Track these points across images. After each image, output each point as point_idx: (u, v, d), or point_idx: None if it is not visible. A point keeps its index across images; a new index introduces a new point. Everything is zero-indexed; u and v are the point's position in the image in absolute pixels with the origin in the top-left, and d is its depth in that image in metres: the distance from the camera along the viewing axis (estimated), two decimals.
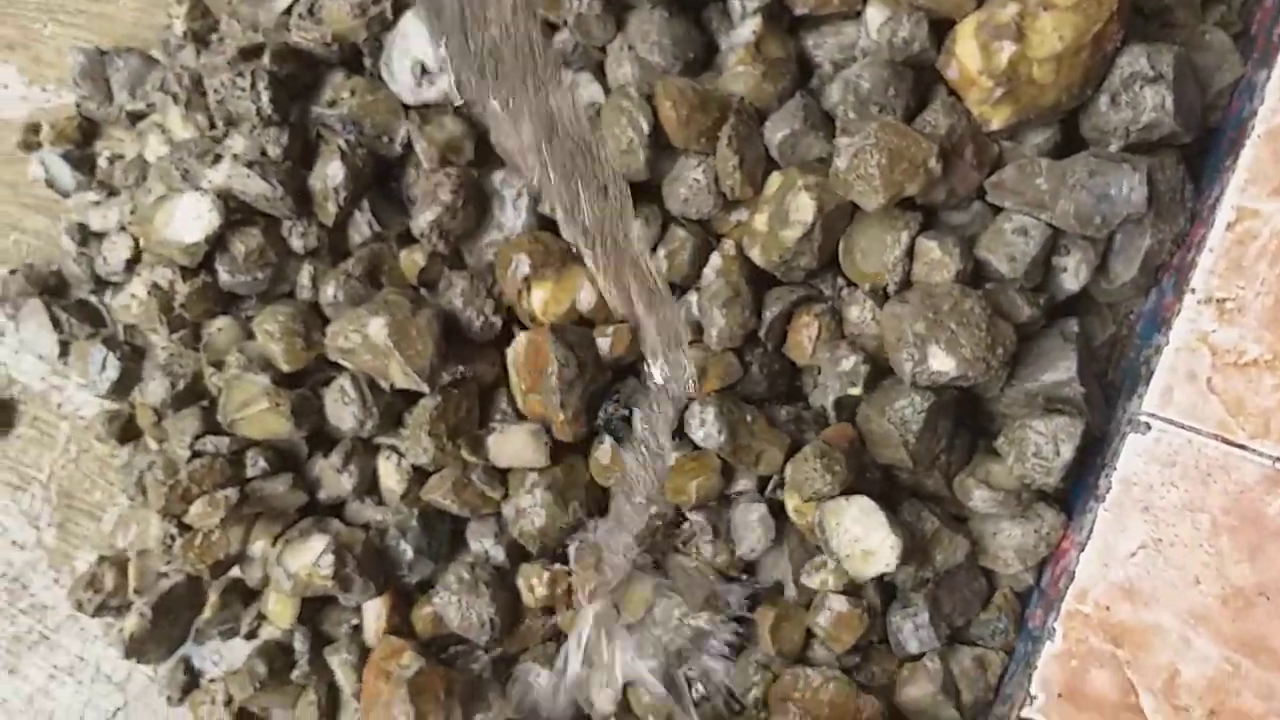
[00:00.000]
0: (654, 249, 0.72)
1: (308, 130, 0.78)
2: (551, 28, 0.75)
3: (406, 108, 0.75)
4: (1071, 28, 0.60)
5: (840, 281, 0.70)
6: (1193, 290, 0.59)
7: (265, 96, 0.75)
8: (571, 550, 0.73)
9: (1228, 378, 0.58)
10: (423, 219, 0.73)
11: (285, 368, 0.75)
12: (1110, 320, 0.69)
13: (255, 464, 0.79)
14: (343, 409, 0.74)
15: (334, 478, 0.78)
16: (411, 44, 0.72)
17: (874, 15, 0.67)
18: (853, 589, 0.66)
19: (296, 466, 0.80)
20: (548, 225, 0.74)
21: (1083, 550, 0.60)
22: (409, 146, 0.76)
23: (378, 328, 0.70)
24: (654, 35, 0.70)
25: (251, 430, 0.77)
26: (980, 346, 0.61)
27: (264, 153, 0.76)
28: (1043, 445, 0.63)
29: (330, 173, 0.74)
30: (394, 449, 0.77)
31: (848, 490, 0.64)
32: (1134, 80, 0.62)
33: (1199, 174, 0.66)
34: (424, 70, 0.72)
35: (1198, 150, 0.66)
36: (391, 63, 0.73)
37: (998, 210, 0.66)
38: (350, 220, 0.77)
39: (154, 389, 0.82)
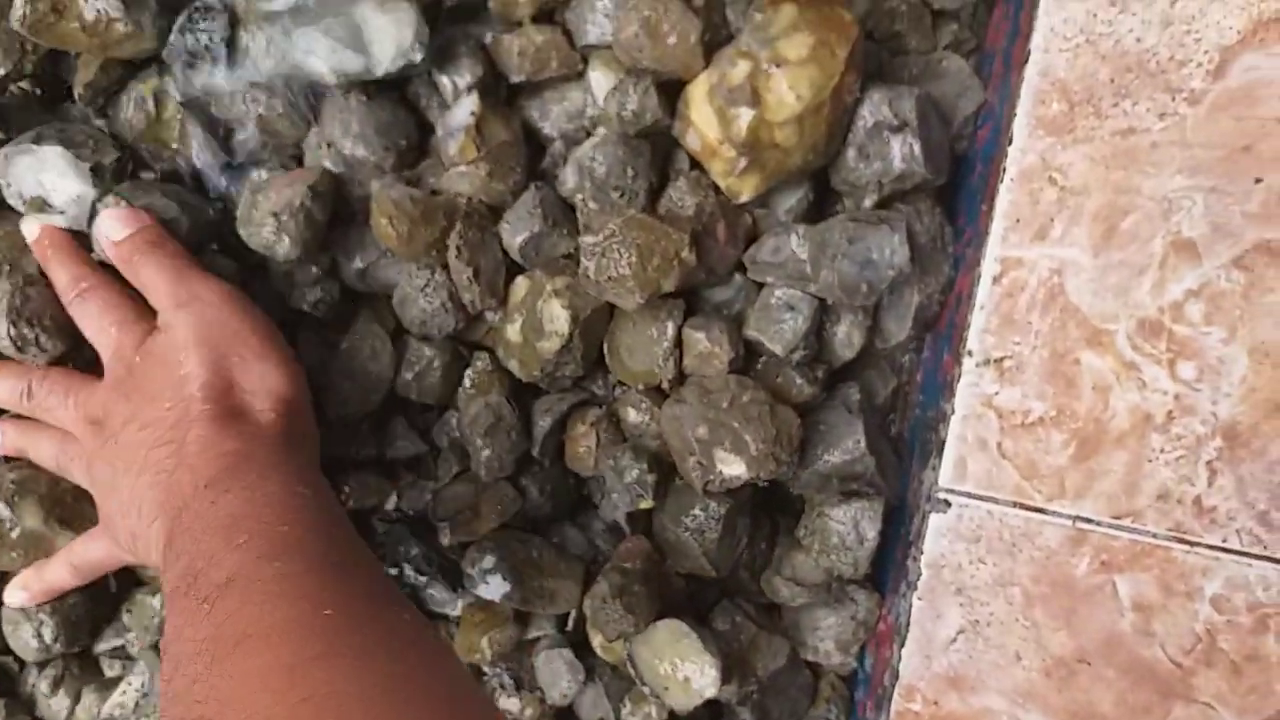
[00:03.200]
0: (397, 371, 0.63)
1: None
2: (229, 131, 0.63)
3: None
4: (808, 84, 0.55)
5: (613, 378, 0.63)
6: (970, 353, 0.56)
7: None
8: None
9: (1017, 440, 0.55)
10: None
11: None
12: (890, 372, 0.66)
13: None
14: None
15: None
16: (23, 182, 0.57)
17: (598, 81, 0.60)
18: (677, 718, 0.61)
19: None
20: None
21: (903, 645, 0.57)
22: None
23: None
24: (355, 126, 0.60)
25: None
26: (767, 442, 0.56)
27: None
28: (845, 534, 0.59)
29: None
30: None
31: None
32: (879, 130, 0.58)
33: (954, 210, 0.63)
34: (45, 205, 0.58)
35: (949, 184, 0.63)
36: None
37: (761, 284, 0.61)
38: None
39: None
